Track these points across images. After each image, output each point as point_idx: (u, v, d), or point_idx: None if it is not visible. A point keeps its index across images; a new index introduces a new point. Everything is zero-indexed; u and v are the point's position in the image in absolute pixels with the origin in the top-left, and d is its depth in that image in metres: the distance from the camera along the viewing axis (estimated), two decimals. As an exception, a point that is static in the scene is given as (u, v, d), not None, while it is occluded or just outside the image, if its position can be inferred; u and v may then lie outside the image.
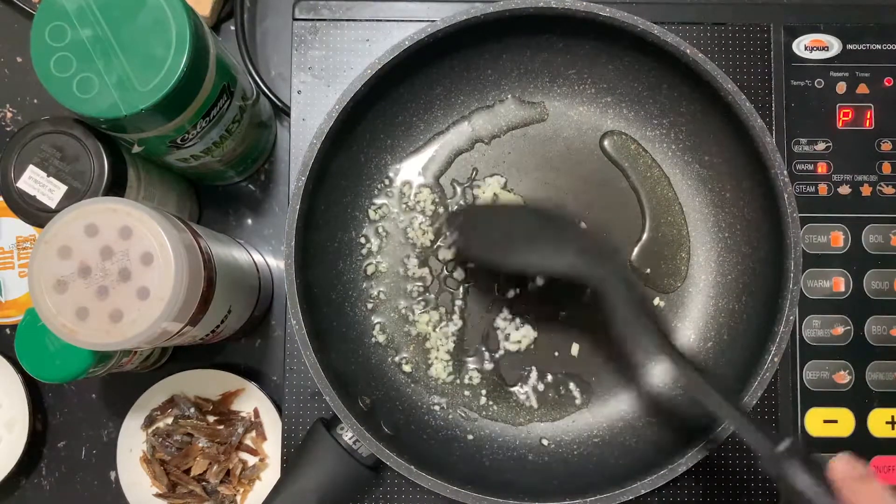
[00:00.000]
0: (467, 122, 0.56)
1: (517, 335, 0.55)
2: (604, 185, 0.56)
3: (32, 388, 0.61)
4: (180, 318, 0.44)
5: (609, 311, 0.46)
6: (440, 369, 0.55)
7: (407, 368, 0.55)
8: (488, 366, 0.55)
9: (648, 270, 0.55)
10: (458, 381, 0.55)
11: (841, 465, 0.37)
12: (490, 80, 0.55)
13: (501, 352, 0.55)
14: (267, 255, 0.63)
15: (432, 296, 0.55)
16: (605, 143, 0.56)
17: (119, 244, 0.42)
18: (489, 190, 0.55)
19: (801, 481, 0.38)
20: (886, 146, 0.56)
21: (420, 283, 0.55)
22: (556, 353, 0.55)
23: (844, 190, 0.56)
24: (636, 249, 0.55)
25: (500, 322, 0.55)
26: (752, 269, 0.52)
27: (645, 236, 0.56)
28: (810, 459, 0.38)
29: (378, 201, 0.56)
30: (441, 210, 0.56)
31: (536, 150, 0.56)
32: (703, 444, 0.47)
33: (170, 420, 0.60)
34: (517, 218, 0.53)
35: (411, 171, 0.56)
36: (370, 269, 0.55)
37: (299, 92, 0.56)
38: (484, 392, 0.55)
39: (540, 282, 0.52)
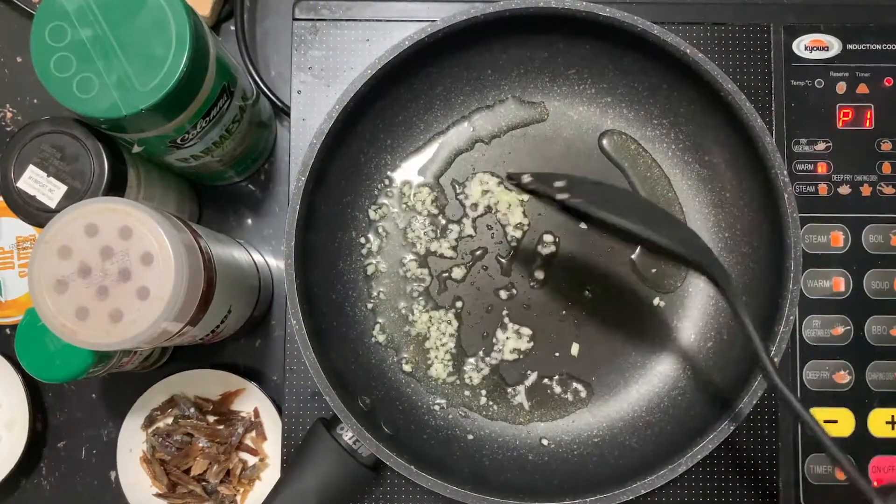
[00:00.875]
0: (467, 122, 0.56)
1: (516, 339, 0.55)
2: (604, 185, 0.56)
3: (32, 388, 0.61)
4: (180, 318, 0.44)
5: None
6: (440, 369, 0.55)
7: (407, 368, 0.55)
8: (488, 366, 0.55)
9: (652, 271, 0.55)
10: (458, 381, 0.55)
11: None
12: (490, 80, 0.55)
13: (501, 352, 0.55)
14: (267, 255, 0.63)
15: (432, 296, 0.55)
16: (605, 142, 0.56)
17: (119, 244, 0.42)
18: (475, 188, 0.55)
19: None
20: (886, 146, 0.56)
21: (420, 283, 0.55)
22: (557, 354, 0.55)
23: (844, 190, 0.56)
24: (637, 250, 0.55)
25: (499, 329, 0.55)
26: (752, 269, 0.52)
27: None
28: None
29: (378, 201, 0.56)
30: (437, 210, 0.56)
31: (536, 150, 0.56)
32: (700, 447, 0.47)
33: (170, 420, 0.60)
34: (634, 199, 0.53)
35: (411, 171, 0.56)
36: (370, 269, 0.55)
37: (299, 92, 0.56)
38: (484, 392, 0.55)
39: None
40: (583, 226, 0.55)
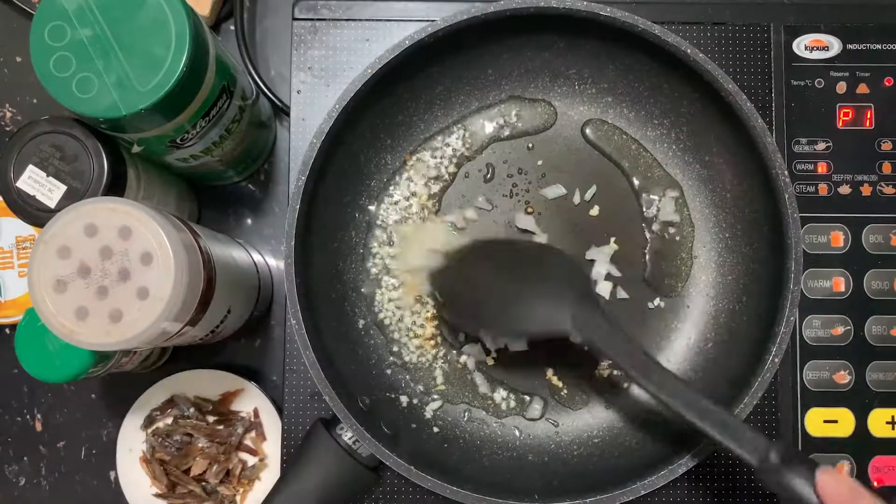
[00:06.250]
0: (467, 121, 0.56)
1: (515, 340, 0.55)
2: (605, 184, 0.56)
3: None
4: (180, 318, 0.44)
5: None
6: (440, 369, 0.54)
7: (407, 368, 0.55)
8: (488, 366, 0.55)
9: (649, 271, 0.55)
10: (458, 381, 0.55)
11: (829, 484, 0.37)
12: (490, 79, 0.55)
13: (500, 352, 0.55)
14: (267, 255, 0.63)
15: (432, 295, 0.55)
16: (606, 142, 0.56)
17: (118, 244, 0.42)
18: (475, 188, 0.56)
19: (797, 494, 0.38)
20: (886, 146, 0.56)
21: (420, 283, 0.55)
22: (556, 354, 0.55)
23: (844, 190, 0.56)
24: (648, 245, 0.55)
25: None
26: (753, 269, 0.52)
27: (646, 236, 0.56)
28: (801, 469, 0.39)
29: (378, 201, 0.56)
30: (438, 210, 0.56)
31: (537, 150, 0.56)
32: (701, 446, 0.47)
33: (169, 420, 0.60)
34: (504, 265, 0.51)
35: (411, 171, 0.56)
36: (370, 269, 0.55)
37: (299, 92, 0.56)
38: (484, 392, 0.54)
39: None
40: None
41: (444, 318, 0.52)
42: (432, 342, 0.55)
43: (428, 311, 0.55)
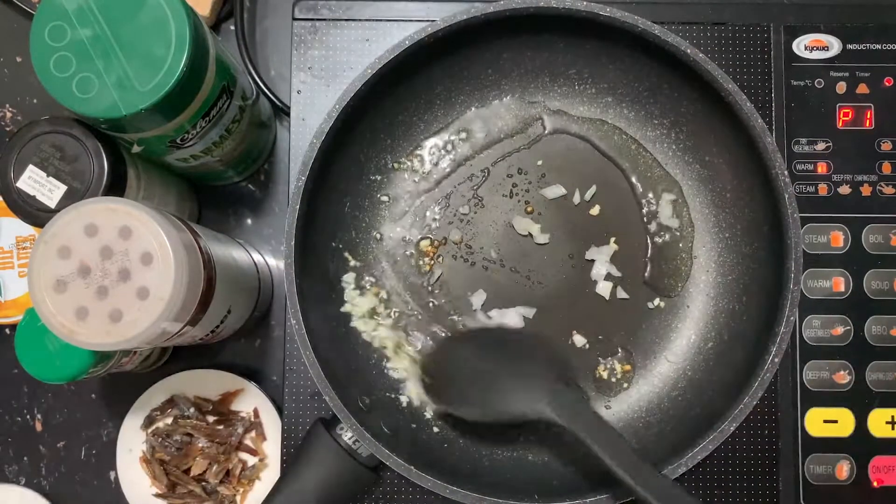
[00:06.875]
0: (467, 122, 0.56)
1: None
2: (605, 184, 0.56)
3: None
4: (180, 318, 0.44)
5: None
6: (440, 369, 0.55)
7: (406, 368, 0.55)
8: (488, 366, 0.55)
9: (649, 271, 0.55)
10: (458, 382, 0.55)
11: None
12: (490, 80, 0.55)
13: (501, 352, 0.55)
14: (267, 255, 0.63)
15: (432, 295, 0.55)
16: (605, 142, 0.56)
17: (119, 244, 0.42)
18: (476, 189, 0.56)
19: None
20: (886, 146, 0.56)
21: (420, 283, 0.55)
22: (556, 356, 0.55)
23: (844, 190, 0.56)
24: (649, 251, 0.55)
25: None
26: (753, 269, 0.52)
27: (646, 236, 0.56)
28: None
29: (378, 201, 0.56)
30: (438, 211, 0.56)
31: (537, 151, 0.56)
32: (704, 443, 0.47)
33: (169, 420, 0.60)
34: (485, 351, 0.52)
35: (412, 171, 0.56)
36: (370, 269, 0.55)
37: (299, 92, 0.56)
38: (484, 392, 0.55)
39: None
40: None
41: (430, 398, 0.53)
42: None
43: (428, 311, 0.55)
